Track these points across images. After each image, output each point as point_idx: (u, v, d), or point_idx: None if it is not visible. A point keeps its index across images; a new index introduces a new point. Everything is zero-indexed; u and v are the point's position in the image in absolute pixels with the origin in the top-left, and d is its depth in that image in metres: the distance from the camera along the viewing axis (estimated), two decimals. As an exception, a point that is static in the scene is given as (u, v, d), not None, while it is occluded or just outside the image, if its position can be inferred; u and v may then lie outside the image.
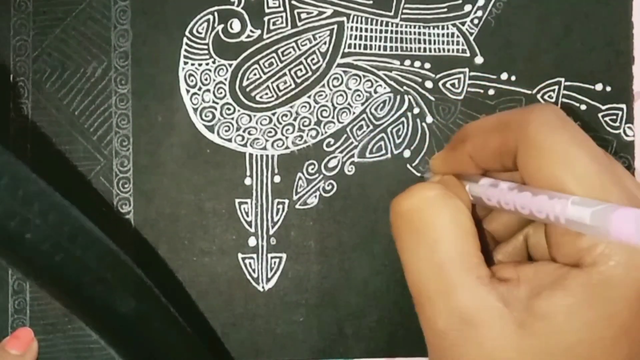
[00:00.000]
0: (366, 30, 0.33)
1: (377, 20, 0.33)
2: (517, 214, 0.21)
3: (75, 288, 0.24)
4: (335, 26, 0.33)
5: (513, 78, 0.32)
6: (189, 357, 0.29)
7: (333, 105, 0.33)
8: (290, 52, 0.33)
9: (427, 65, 0.33)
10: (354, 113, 0.33)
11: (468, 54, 0.33)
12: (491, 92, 0.33)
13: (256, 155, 0.32)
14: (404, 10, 0.33)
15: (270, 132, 0.33)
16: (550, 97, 0.32)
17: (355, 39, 0.33)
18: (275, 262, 0.32)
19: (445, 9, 0.33)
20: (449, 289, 0.21)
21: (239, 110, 0.33)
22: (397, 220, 0.23)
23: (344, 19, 0.33)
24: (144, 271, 0.28)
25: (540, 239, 0.24)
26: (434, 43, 0.33)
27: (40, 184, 0.24)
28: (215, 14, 0.33)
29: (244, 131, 0.33)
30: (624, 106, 0.32)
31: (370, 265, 0.32)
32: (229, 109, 0.33)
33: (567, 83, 0.32)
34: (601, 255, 0.19)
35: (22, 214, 0.22)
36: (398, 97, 0.33)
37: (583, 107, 0.32)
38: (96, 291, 0.25)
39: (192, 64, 0.33)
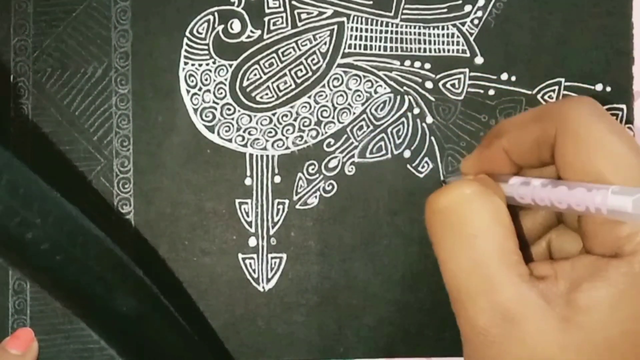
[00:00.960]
0: (366, 30, 0.33)
1: (377, 21, 0.33)
2: (553, 209, 0.21)
3: (75, 288, 0.24)
4: (336, 26, 0.33)
5: (513, 78, 0.32)
6: (189, 357, 0.29)
7: (333, 105, 0.33)
8: (290, 53, 0.33)
9: (427, 66, 0.33)
10: (354, 113, 0.33)
11: (468, 54, 0.33)
12: (491, 92, 0.33)
13: (256, 156, 0.32)
14: (404, 11, 0.33)
15: (270, 132, 0.33)
16: (550, 97, 0.32)
17: (356, 39, 0.33)
18: (275, 263, 0.32)
19: (445, 9, 0.33)
20: (490, 286, 0.20)
21: (239, 111, 0.33)
22: (434, 218, 0.22)
23: (344, 19, 0.33)
24: (144, 271, 0.28)
25: (563, 243, 0.24)
26: (434, 43, 0.33)
27: (40, 184, 0.24)
28: (216, 14, 0.33)
29: (244, 131, 0.33)
30: (624, 106, 0.32)
31: (370, 265, 0.32)
32: (229, 109, 0.33)
33: (567, 83, 0.32)
34: None
35: (22, 214, 0.22)
36: (398, 98, 0.33)
37: (583, 107, 0.32)
38: (96, 291, 0.25)
39: (193, 64, 0.33)
